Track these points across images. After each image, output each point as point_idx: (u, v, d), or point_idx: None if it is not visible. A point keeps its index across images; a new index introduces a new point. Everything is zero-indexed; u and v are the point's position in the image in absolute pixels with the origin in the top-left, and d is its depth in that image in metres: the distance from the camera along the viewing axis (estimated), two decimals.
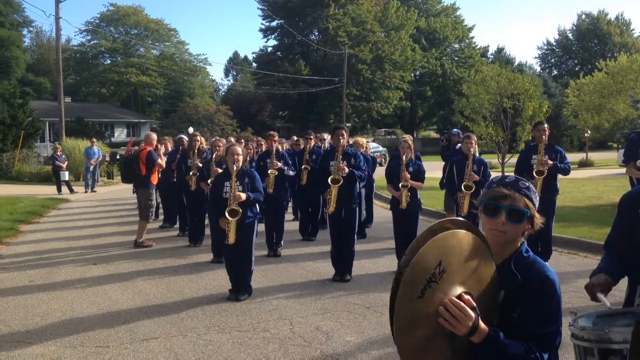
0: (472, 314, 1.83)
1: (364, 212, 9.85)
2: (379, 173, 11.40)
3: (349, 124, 45.45)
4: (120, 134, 45.65)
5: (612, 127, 30.46)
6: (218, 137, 10.51)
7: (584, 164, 28.84)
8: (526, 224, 2.08)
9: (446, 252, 1.85)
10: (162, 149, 10.52)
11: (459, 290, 1.87)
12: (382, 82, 49.80)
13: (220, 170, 7.31)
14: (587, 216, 11.08)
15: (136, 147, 9.81)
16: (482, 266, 1.95)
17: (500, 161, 19.82)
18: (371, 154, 12.06)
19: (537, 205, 2.11)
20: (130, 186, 10.68)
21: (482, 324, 1.86)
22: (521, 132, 18.72)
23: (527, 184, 2.11)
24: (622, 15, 66.64)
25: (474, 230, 1.97)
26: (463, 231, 1.92)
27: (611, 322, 2.44)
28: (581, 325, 2.39)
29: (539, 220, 2.10)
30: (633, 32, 64.63)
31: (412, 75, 56.22)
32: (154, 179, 9.68)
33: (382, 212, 11.95)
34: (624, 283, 2.84)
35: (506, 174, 14.32)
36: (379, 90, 50.21)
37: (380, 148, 35.64)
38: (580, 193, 14.98)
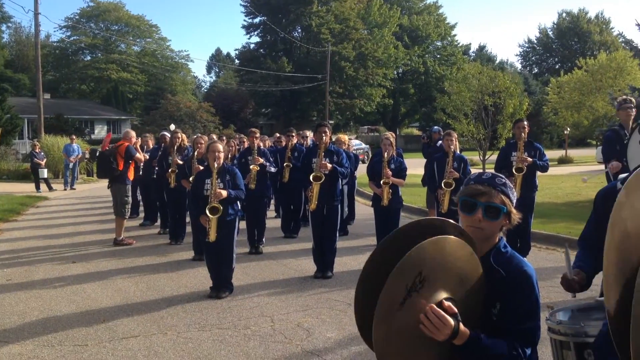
0: (451, 321, 1.84)
1: (345, 209, 9.86)
2: (361, 170, 11.43)
3: (332, 121, 45.53)
4: (100, 131, 45.05)
5: (591, 125, 30.88)
6: (200, 135, 10.45)
7: (563, 161, 29.20)
8: (503, 220, 2.09)
9: (426, 261, 1.83)
10: (139, 142, 10.43)
11: (442, 295, 1.87)
12: (365, 80, 49.92)
13: (201, 168, 7.26)
14: (565, 212, 11.23)
15: (111, 145, 9.71)
16: (467, 269, 1.95)
17: (481, 158, 19.96)
18: (354, 151, 12.09)
19: (514, 201, 2.12)
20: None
21: (462, 328, 1.87)
22: (502, 130, 18.88)
23: (503, 180, 2.12)
24: (602, 14, 67.77)
25: (458, 230, 1.97)
26: (447, 237, 1.91)
27: (587, 316, 2.47)
28: (558, 320, 2.42)
29: (516, 215, 2.11)
30: (612, 30, 65.53)
31: (395, 72, 56.42)
32: (131, 174, 9.57)
33: (364, 209, 11.97)
34: (599, 277, 2.87)
35: (487, 170, 14.41)
36: (362, 87, 50.34)
37: (363, 145, 35.71)
38: (559, 189, 15.16)
